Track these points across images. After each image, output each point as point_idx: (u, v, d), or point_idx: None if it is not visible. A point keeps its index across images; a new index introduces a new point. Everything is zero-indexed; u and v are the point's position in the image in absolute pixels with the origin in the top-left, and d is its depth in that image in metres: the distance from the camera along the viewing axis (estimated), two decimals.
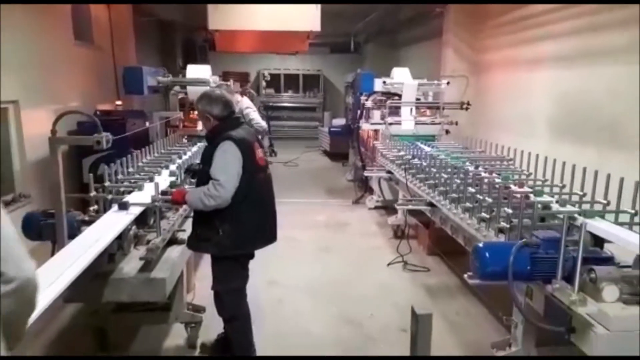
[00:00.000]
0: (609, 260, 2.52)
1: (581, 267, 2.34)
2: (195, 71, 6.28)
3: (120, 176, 3.72)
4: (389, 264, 5.00)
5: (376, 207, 7.21)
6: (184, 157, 4.71)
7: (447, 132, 7.01)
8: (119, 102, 6.81)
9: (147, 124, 6.56)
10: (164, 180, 3.73)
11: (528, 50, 6.68)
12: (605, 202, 3.16)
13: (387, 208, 6.88)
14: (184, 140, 6.12)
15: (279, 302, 4.09)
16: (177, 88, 6.31)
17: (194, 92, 5.98)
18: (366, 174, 6.81)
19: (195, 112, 6.29)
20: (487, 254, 2.44)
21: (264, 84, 15.61)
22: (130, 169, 3.98)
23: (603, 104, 5.09)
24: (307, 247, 5.54)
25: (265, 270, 4.34)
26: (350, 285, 4.53)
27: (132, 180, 3.71)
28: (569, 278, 2.36)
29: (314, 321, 3.84)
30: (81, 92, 6.78)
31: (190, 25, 11.59)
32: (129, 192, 3.43)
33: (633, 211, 2.97)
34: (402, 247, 5.19)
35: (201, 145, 5.46)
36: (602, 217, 2.98)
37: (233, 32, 7.04)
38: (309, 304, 4.15)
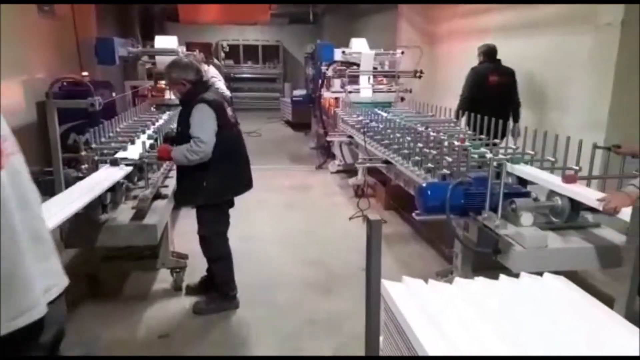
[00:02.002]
0: (527, 195, 3.08)
1: (504, 200, 2.90)
2: (163, 42, 6.50)
3: (102, 139, 4.03)
4: (350, 218, 5.51)
5: (338, 172, 7.69)
6: (158, 123, 5.02)
7: (402, 99, 7.52)
8: (85, 73, 6.92)
9: (114, 94, 6.77)
10: (142, 142, 4.07)
11: (475, 21, 7.23)
12: (532, 152, 3.75)
13: (349, 172, 7.38)
14: (152, 109, 6.38)
15: (253, 251, 4.52)
16: (145, 58, 6.52)
17: (162, 61, 6.21)
18: (329, 138, 7.27)
19: (162, 82, 6.59)
20: (428, 192, 2.97)
21: (222, 54, 15.66)
22: (111, 134, 4.29)
23: (538, 71, 5.70)
24: (274, 207, 5.98)
25: (239, 227, 4.73)
26: (315, 235, 5.03)
27: (114, 143, 4.03)
28: (495, 210, 2.91)
29: (284, 264, 4.33)
30: (46, 63, 6.88)
31: None
32: (114, 153, 3.75)
33: (553, 159, 3.57)
34: (362, 204, 5.69)
35: (171, 113, 5.76)
36: (527, 164, 3.56)
37: (195, 4, 7.23)
38: (279, 251, 4.63)
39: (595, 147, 3.20)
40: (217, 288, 3.54)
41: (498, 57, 5.82)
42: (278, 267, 4.28)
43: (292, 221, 5.53)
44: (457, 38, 7.93)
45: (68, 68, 7.62)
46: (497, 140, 4.19)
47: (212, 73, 6.55)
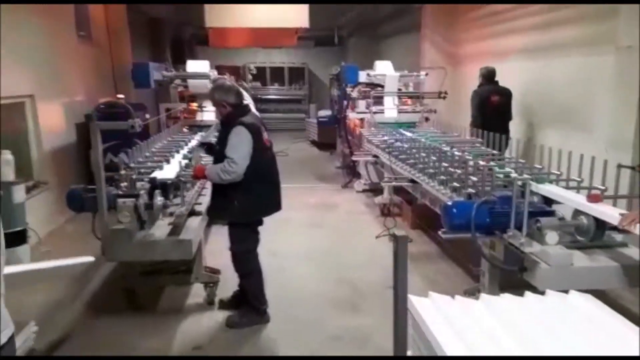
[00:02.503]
0: (552, 214, 3.14)
1: (530, 219, 2.97)
2: (195, 66, 6.79)
3: (140, 159, 4.25)
4: (377, 237, 5.58)
5: (364, 190, 7.78)
6: (191, 144, 5.22)
7: (427, 119, 7.62)
8: (121, 96, 7.27)
9: (147, 116, 7.06)
10: (177, 162, 4.28)
11: (497, 43, 7.34)
12: (557, 172, 3.80)
13: (374, 191, 7.47)
14: (185, 130, 6.63)
15: (281, 268, 4.64)
16: (177, 81, 6.81)
17: (194, 85, 6.51)
18: (354, 158, 7.40)
19: (194, 104, 6.85)
20: (454, 210, 3.05)
21: (250, 77, 16.07)
22: (147, 154, 4.51)
23: (559, 92, 5.75)
24: (301, 224, 6.10)
25: (267, 244, 4.87)
26: (342, 253, 5.13)
27: (150, 163, 4.24)
28: (520, 228, 2.98)
29: (311, 281, 4.44)
30: (84, 86, 7.26)
31: (179, 22, 12.04)
32: (151, 172, 3.95)
33: (579, 179, 3.61)
34: (389, 223, 5.76)
35: (203, 134, 5.99)
36: (552, 183, 3.61)
37: (227, 28, 7.55)
38: (306, 268, 4.74)
39: (619, 166, 3.24)
40: (249, 303, 3.67)
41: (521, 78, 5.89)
42: (305, 284, 4.38)
43: (318, 239, 5.64)
44: (479, 59, 8.01)
45: (104, 91, 8.01)
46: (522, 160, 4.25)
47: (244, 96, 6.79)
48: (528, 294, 2.51)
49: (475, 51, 8.17)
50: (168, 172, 3.87)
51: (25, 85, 5.42)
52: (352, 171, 8.48)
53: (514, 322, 2.14)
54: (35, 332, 3.17)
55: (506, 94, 6.30)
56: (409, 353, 2.55)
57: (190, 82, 6.61)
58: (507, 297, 2.48)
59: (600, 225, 2.97)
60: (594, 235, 2.99)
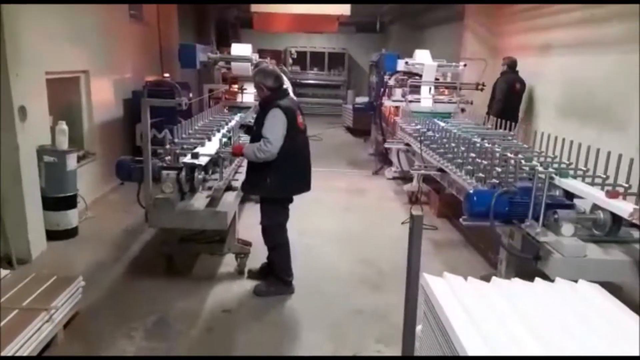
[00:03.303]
0: (570, 207, 3.24)
1: (548, 211, 3.09)
2: (239, 49, 7.05)
3: (183, 136, 4.54)
4: (402, 222, 5.74)
5: (394, 178, 7.92)
6: (230, 124, 5.49)
7: (463, 110, 7.64)
8: (167, 75, 7.61)
9: (190, 95, 7.37)
10: (217, 141, 4.55)
11: (539, 37, 7.28)
12: (585, 169, 3.86)
13: (404, 179, 7.60)
14: (225, 111, 6.92)
15: (308, 246, 4.87)
16: (221, 63, 7.09)
17: (237, 67, 6.77)
18: (387, 145, 7.54)
19: (236, 86, 7.12)
20: (475, 198, 3.20)
21: (290, 61, 16.26)
22: (190, 131, 4.81)
23: (600, 90, 5.72)
24: (331, 207, 6.32)
25: (296, 223, 5.10)
26: (368, 236, 5.32)
27: (193, 139, 4.53)
28: (538, 219, 3.10)
29: (336, 259, 4.66)
30: (133, 64, 7.62)
31: (224, 4, 12.32)
32: (193, 148, 4.22)
33: (604, 176, 3.67)
34: (415, 210, 5.91)
35: (242, 115, 6.25)
36: (575, 178, 3.68)
37: (271, 13, 7.77)
38: (332, 248, 4.96)
39: None
40: (276, 274, 3.93)
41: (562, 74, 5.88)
42: (331, 262, 4.61)
43: (346, 221, 5.85)
44: (520, 53, 7.96)
45: (151, 69, 8.38)
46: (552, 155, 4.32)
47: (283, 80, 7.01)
48: (538, 280, 2.66)
49: (516, 44, 8.11)
50: (209, 148, 4.15)
51: (81, 61, 5.79)
52: (383, 158, 8.62)
53: (522, 304, 2.30)
54: (82, 286, 3.51)
55: (524, 83, 7.15)
56: (419, 328, 2.74)
57: (234, 64, 6.88)
58: (517, 282, 2.64)
59: (617, 220, 3.06)
60: (609, 229, 3.08)
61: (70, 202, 4.88)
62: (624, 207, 2.97)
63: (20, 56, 4.19)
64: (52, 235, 4.72)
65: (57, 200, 4.74)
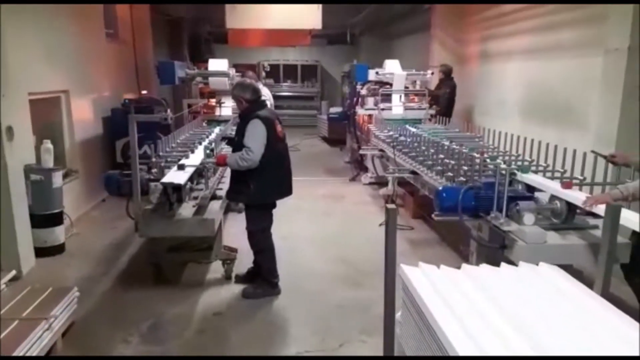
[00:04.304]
0: (531, 199, 3.54)
1: (510, 203, 3.38)
2: (216, 64, 7.26)
3: (167, 149, 4.73)
4: (380, 224, 5.99)
5: (370, 183, 8.20)
6: (211, 137, 5.68)
7: (432, 116, 8.00)
8: (144, 92, 7.77)
9: (169, 111, 7.53)
10: (200, 152, 4.75)
11: (501, 44, 7.70)
12: (545, 164, 4.18)
13: (380, 184, 7.89)
14: (204, 124, 7.10)
15: (291, 249, 5.07)
16: (199, 78, 7.29)
17: (215, 82, 6.97)
18: (362, 152, 7.83)
19: (213, 100, 7.33)
20: (444, 194, 3.48)
21: (263, 74, 16.49)
22: (173, 145, 4.99)
23: (558, 91, 6.12)
24: (311, 213, 6.55)
25: (279, 229, 5.30)
26: (347, 238, 5.56)
27: (175, 152, 4.72)
28: (501, 211, 3.39)
29: (318, 261, 4.89)
30: (111, 82, 7.77)
31: (197, 21, 12.53)
32: (178, 160, 4.41)
33: (563, 170, 4.00)
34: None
35: (222, 127, 6.46)
36: (536, 173, 4.00)
37: (246, 29, 8.04)
38: (314, 250, 5.18)
39: (592, 152, 3.62)
40: (262, 276, 4.13)
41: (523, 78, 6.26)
42: (313, 263, 4.83)
43: (327, 225, 6.08)
44: (485, 59, 8.39)
45: (128, 87, 8.52)
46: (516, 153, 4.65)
47: (264, 92, 7.23)
48: (503, 265, 2.94)
49: (481, 51, 8.53)
50: (194, 159, 4.34)
51: (61, 81, 5.93)
52: (359, 165, 8.91)
53: (489, 286, 2.58)
54: (77, 296, 3.65)
55: (455, 87, 8.42)
56: (399, 314, 2.99)
57: (211, 79, 7.08)
58: (485, 267, 2.92)
59: (572, 208, 3.37)
60: (566, 217, 3.39)
61: (56, 219, 4.99)
62: (577, 196, 3.29)
63: (5, 77, 4.32)
64: (40, 252, 4.82)
65: (44, 217, 4.86)
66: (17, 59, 4.67)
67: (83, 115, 6.60)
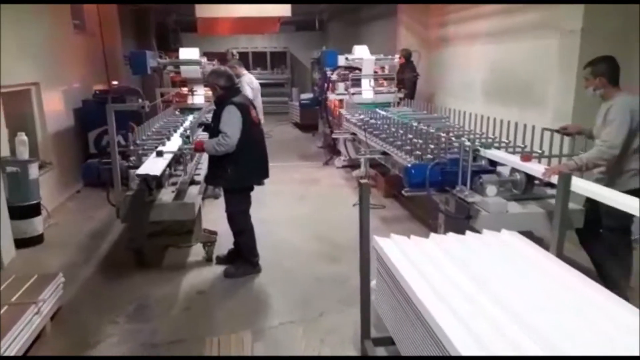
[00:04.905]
0: (493, 172, 3.80)
1: (474, 177, 3.63)
2: (187, 53, 7.30)
3: (143, 137, 4.81)
4: (354, 205, 6.21)
5: (343, 166, 8.40)
6: (186, 124, 5.77)
7: (401, 99, 8.24)
8: (115, 82, 7.75)
9: (140, 100, 7.54)
10: (177, 139, 4.85)
11: (465, 28, 7.95)
12: (507, 141, 4.45)
13: (353, 166, 8.10)
14: (177, 113, 7.15)
15: (270, 231, 5.23)
16: (170, 67, 7.32)
17: (186, 70, 7.02)
18: (334, 136, 8.02)
19: (185, 89, 7.38)
20: (412, 171, 3.70)
21: (232, 60, 16.38)
22: (149, 133, 5.07)
23: (519, 72, 6.41)
24: (287, 196, 6.72)
25: (257, 212, 5.43)
26: (323, 218, 5.77)
27: (151, 140, 4.80)
28: (466, 184, 3.63)
29: (296, 240, 5.08)
30: (80, 74, 7.72)
31: (163, 10, 12.41)
32: (155, 148, 4.49)
33: (523, 145, 4.27)
34: (363, 180, 6.39)
35: (195, 115, 6.53)
36: (499, 149, 4.26)
37: (215, 18, 8.07)
38: (292, 231, 5.36)
39: (544, 129, 3.90)
40: (243, 256, 4.29)
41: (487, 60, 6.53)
42: (291, 242, 5.03)
43: (303, 207, 6.28)
44: (451, 43, 8.64)
45: (98, 78, 8.47)
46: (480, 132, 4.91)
47: (249, 80, 7.35)
48: (468, 233, 3.18)
49: (446, 35, 8.78)
50: (171, 146, 4.45)
51: (31, 74, 5.90)
52: (332, 150, 9.10)
53: (454, 250, 2.82)
54: (62, 282, 3.75)
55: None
56: (373, 282, 3.21)
57: (183, 68, 7.13)
58: (450, 235, 3.16)
59: (531, 180, 3.64)
60: (525, 188, 3.66)
61: (34, 210, 5.03)
62: (535, 168, 3.55)
63: None
64: (20, 243, 4.86)
65: (22, 208, 4.89)
66: None
67: (54, 107, 6.57)
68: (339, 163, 8.50)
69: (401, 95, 8.21)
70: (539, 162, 3.80)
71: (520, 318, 1.98)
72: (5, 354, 2.89)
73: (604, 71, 3.55)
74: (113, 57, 9.26)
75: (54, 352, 3.22)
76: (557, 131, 3.87)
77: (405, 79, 8.60)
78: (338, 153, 8.78)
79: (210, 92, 5.11)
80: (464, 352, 1.82)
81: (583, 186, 3.19)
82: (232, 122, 3.99)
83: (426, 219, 5.35)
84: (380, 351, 3.01)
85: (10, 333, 2.98)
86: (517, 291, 2.25)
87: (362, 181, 2.72)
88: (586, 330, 1.89)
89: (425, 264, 2.70)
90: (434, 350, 2.08)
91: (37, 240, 5.06)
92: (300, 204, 6.43)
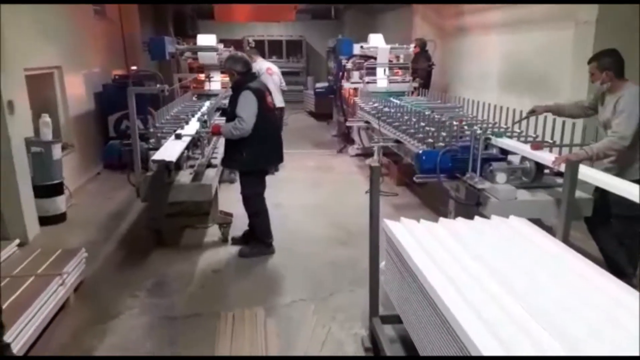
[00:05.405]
0: (503, 160, 3.87)
1: (485, 164, 3.70)
2: (204, 39, 7.42)
3: (162, 121, 4.95)
4: (366, 192, 6.29)
5: (357, 155, 8.49)
6: (203, 109, 5.90)
7: (416, 88, 8.28)
8: (134, 67, 7.90)
9: (158, 85, 7.68)
10: (195, 123, 4.98)
11: (481, 17, 7.94)
12: (519, 130, 4.50)
13: (366, 155, 8.19)
14: (194, 99, 7.29)
15: (284, 216, 5.37)
16: (187, 54, 7.45)
17: (204, 57, 7.14)
18: (348, 124, 8.10)
19: (202, 75, 7.50)
20: (423, 157, 3.78)
21: (248, 48, 16.47)
22: (168, 117, 5.21)
23: (533, 63, 6.42)
24: (301, 183, 6.84)
25: (272, 198, 5.52)
26: (336, 205, 5.87)
27: (170, 124, 4.95)
28: (476, 171, 3.71)
29: (309, 225, 5.20)
30: (100, 59, 7.88)
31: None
32: (174, 131, 4.63)
33: (535, 135, 4.32)
34: (373, 162, 6.48)
35: (212, 101, 6.66)
36: (510, 138, 4.32)
37: (232, 5, 8.16)
38: (305, 216, 5.49)
39: (516, 122, 4.04)
40: (257, 237, 4.43)
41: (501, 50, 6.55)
42: (305, 227, 5.15)
43: (316, 194, 6.39)
44: (464, 33, 8.64)
45: (117, 63, 8.63)
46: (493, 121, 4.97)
47: (266, 65, 7.51)
48: (477, 218, 3.26)
49: (462, 25, 8.78)
50: (190, 129, 4.58)
51: (54, 57, 6.06)
52: (346, 138, 9.18)
53: (464, 236, 2.91)
54: (85, 257, 3.92)
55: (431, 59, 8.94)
56: (383, 263, 3.32)
57: (200, 54, 7.25)
58: (460, 220, 3.25)
59: (540, 168, 3.70)
60: (535, 176, 3.72)
61: (57, 189, 5.21)
62: (545, 157, 3.61)
63: (3, 53, 4.48)
64: (43, 220, 5.05)
65: (46, 188, 5.08)
66: (13, 35, 4.81)
67: (76, 91, 6.74)
68: (353, 151, 8.59)
69: (416, 84, 8.25)
70: (550, 151, 3.86)
71: (524, 298, 2.05)
72: (32, 321, 3.06)
73: (609, 65, 3.61)
74: (132, 43, 9.41)
75: (78, 320, 3.39)
76: (527, 117, 4.06)
77: (420, 69, 8.61)
78: (352, 142, 8.86)
79: (227, 79, 5.23)
80: (469, 330, 1.89)
81: (592, 175, 3.25)
82: (248, 107, 4.11)
83: (437, 207, 5.43)
84: (388, 329, 3.12)
85: (37, 301, 3.15)
86: (521, 272, 2.33)
87: (373, 164, 2.82)
88: (588, 309, 1.96)
89: (433, 245, 2.79)
90: (440, 328, 2.18)
91: (60, 218, 5.25)
92: (314, 191, 6.54)
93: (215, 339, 3.14)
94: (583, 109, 4.10)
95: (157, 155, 4.00)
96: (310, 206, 5.85)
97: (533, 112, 4.19)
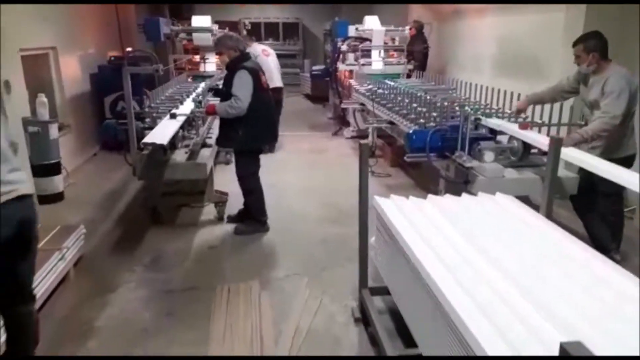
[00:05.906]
0: (491, 139, 3.96)
1: (473, 143, 3.79)
2: (199, 21, 7.43)
3: (157, 101, 5.01)
4: None
5: (352, 137, 8.54)
6: (198, 90, 5.96)
7: (411, 71, 8.33)
8: (129, 49, 7.91)
9: (153, 65, 7.71)
10: (189, 104, 5.04)
11: None
12: (509, 111, 4.58)
13: (361, 137, 8.24)
14: (189, 80, 7.33)
15: (279, 196, 5.45)
16: (183, 35, 7.47)
17: (199, 38, 7.16)
18: (343, 105, 8.17)
19: (197, 56, 7.53)
20: (413, 136, 3.87)
21: (244, 32, 16.41)
22: (163, 97, 5.27)
23: (526, 45, 6.47)
24: (296, 164, 6.94)
25: (267, 179, 5.57)
26: (329, 186, 5.96)
27: (164, 106, 5.01)
28: (464, 150, 3.80)
29: (303, 205, 5.29)
30: (95, 40, 7.88)
31: None
32: (169, 111, 4.70)
33: (525, 115, 4.41)
34: (371, 162, 6.58)
35: (207, 82, 6.71)
36: (500, 118, 4.40)
37: None
38: (299, 196, 5.58)
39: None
40: (252, 215, 4.53)
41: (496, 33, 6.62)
42: (299, 206, 5.25)
43: (311, 175, 6.48)
44: (459, 16, 8.66)
45: (112, 45, 8.63)
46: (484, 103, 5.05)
47: (261, 48, 7.56)
48: (464, 194, 3.36)
49: (458, 8, 8.78)
50: (185, 109, 4.65)
51: (49, 38, 6.09)
52: (341, 120, 9.25)
53: (451, 211, 3.01)
54: (84, 233, 4.02)
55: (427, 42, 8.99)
56: (373, 239, 3.42)
57: (195, 35, 7.27)
58: (447, 196, 3.35)
59: (527, 147, 3.80)
60: (522, 155, 3.82)
61: (55, 169, 5.29)
62: (531, 136, 3.71)
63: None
64: (41, 199, 5.10)
65: (43, 167, 5.15)
66: (8, 16, 4.83)
67: (71, 72, 6.78)
68: (348, 134, 8.66)
69: (411, 67, 8.29)
70: (539, 131, 3.95)
71: (505, 269, 2.15)
72: (33, 294, 3.16)
73: (595, 47, 3.68)
74: (127, 25, 9.39)
75: (78, 293, 3.51)
76: (516, 116, 4.17)
77: (416, 51, 8.63)
78: (347, 124, 8.92)
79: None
80: (453, 299, 1.98)
81: (571, 154, 3.36)
82: (243, 86, 4.17)
83: (429, 187, 5.53)
84: (377, 300, 3.24)
85: (37, 275, 3.24)
86: (504, 244, 2.44)
87: (362, 141, 2.91)
88: (565, 279, 2.06)
89: (420, 220, 2.90)
90: (426, 298, 2.28)
91: (57, 197, 5.34)
92: (308, 172, 6.63)
93: (211, 309, 3.25)
94: (562, 92, 4.19)
95: (148, 138, 4.02)
96: (305, 187, 5.94)
97: (520, 111, 4.27)
